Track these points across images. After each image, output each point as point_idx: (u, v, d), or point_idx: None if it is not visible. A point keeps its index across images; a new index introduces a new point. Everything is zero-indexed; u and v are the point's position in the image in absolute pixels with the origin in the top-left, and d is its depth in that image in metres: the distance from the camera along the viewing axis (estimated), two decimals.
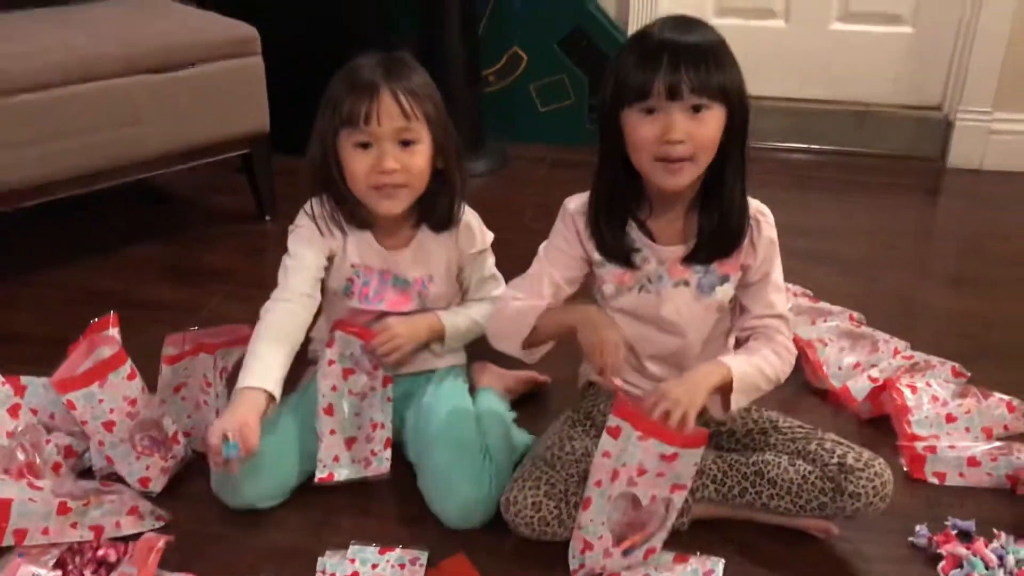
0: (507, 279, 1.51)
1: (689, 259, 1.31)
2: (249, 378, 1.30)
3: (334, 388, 1.41)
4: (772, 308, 1.34)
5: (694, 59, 1.18)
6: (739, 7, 2.87)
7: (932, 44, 2.78)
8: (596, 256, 1.33)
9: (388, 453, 1.43)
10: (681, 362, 1.37)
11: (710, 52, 1.19)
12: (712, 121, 1.21)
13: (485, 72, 2.84)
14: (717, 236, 1.29)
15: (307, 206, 1.45)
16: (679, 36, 1.19)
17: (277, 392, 1.31)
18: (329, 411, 1.41)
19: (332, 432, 1.41)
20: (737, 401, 1.27)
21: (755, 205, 1.32)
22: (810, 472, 1.29)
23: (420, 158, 1.36)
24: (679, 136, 1.20)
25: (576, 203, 1.34)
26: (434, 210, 1.43)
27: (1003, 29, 2.62)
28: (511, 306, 1.35)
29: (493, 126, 2.81)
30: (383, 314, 1.45)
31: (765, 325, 1.34)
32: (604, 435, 1.20)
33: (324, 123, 1.36)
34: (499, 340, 1.37)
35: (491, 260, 1.53)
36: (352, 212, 1.41)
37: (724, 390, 1.26)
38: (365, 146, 1.34)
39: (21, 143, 1.89)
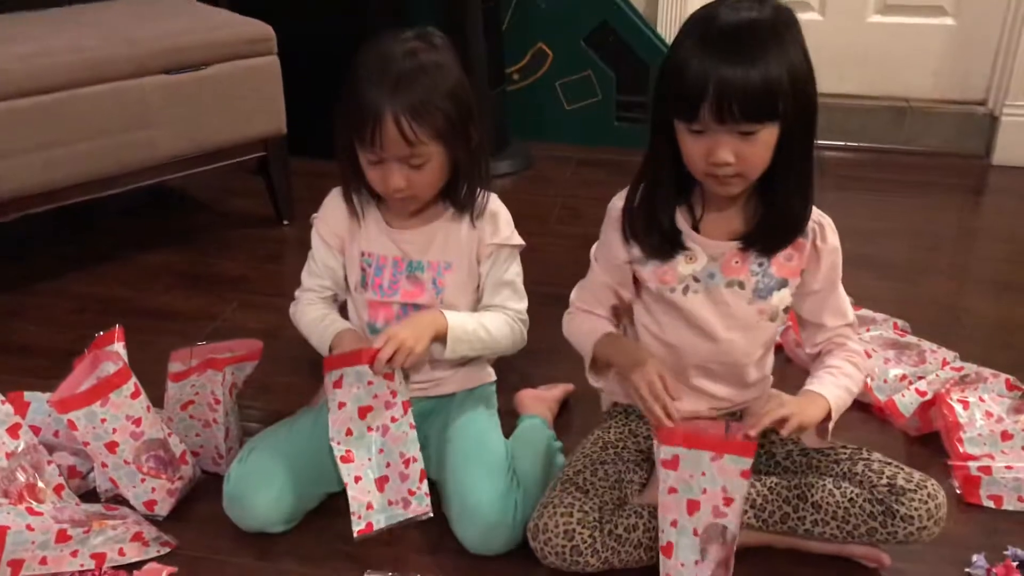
0: (534, 285, 1.44)
1: (745, 249, 1.21)
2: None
3: (349, 432, 1.30)
4: (845, 317, 1.28)
5: (743, 88, 1.07)
6: None
7: (976, 36, 2.68)
8: (637, 252, 1.24)
9: (426, 487, 1.33)
10: (731, 375, 1.29)
11: (762, 76, 1.07)
12: (763, 141, 1.11)
13: (509, 69, 2.76)
14: (776, 224, 1.20)
15: (332, 192, 1.41)
16: (727, 67, 1.07)
17: None
18: (348, 458, 1.30)
19: (358, 479, 1.31)
20: (830, 429, 1.21)
21: (816, 216, 1.22)
22: (857, 495, 1.21)
23: (429, 175, 1.30)
24: (726, 159, 1.11)
25: (621, 201, 1.26)
26: (454, 190, 1.36)
27: None
28: (576, 319, 1.35)
29: (517, 125, 2.74)
30: (402, 307, 1.38)
31: (839, 334, 1.27)
32: (661, 470, 1.12)
33: (343, 122, 1.30)
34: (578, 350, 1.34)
35: (515, 267, 1.42)
36: (371, 189, 1.35)
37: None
38: (376, 162, 1.29)
39: (29, 148, 1.84)
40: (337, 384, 1.28)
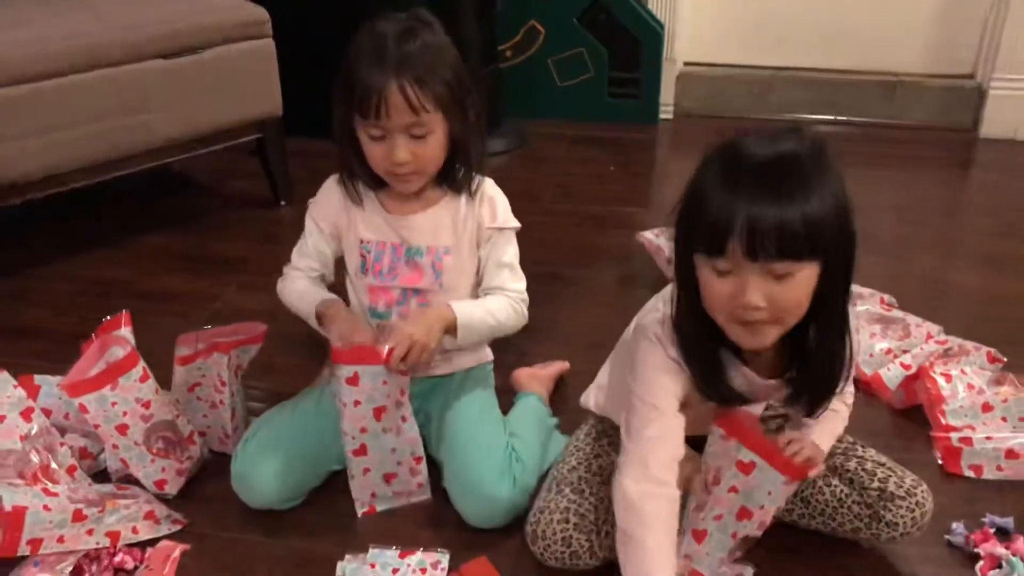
0: (529, 264, 1.46)
1: (799, 410, 1.15)
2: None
3: (364, 430, 1.32)
4: (847, 396, 1.25)
5: (779, 223, 0.94)
6: None
7: (963, 10, 2.70)
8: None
9: (427, 476, 1.39)
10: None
11: (802, 212, 0.94)
12: (800, 283, 0.99)
13: (502, 47, 2.77)
14: (814, 389, 1.11)
15: (329, 179, 1.43)
16: (759, 204, 0.94)
17: None
18: (361, 451, 1.33)
19: (367, 471, 1.35)
20: None
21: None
22: (847, 495, 1.24)
23: (433, 146, 1.32)
24: (757, 302, 0.98)
25: (657, 329, 1.11)
26: (450, 174, 1.39)
27: None
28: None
29: (511, 102, 2.76)
30: (403, 291, 1.41)
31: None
32: (734, 469, 1.09)
33: (341, 104, 1.32)
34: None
35: (513, 249, 1.45)
36: (369, 173, 1.37)
37: None
38: (379, 137, 1.31)
39: (27, 134, 1.85)
40: (352, 381, 1.28)
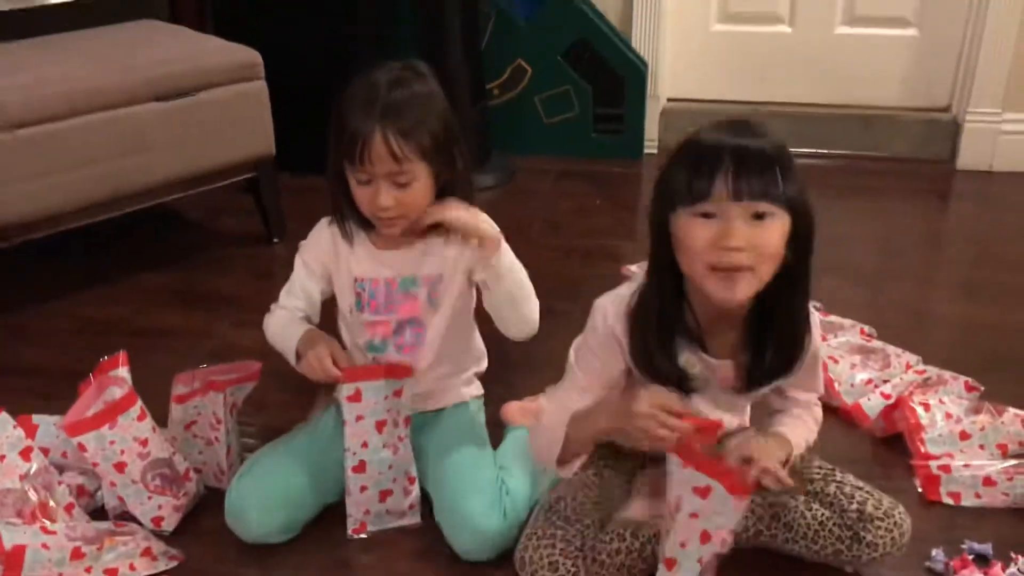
0: None
1: (746, 383, 1.23)
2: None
3: (365, 445, 1.37)
4: (815, 392, 1.33)
5: (760, 162, 1.06)
6: (744, 12, 2.85)
7: (938, 45, 2.76)
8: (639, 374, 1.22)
9: (419, 499, 1.43)
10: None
11: (778, 157, 1.07)
12: (777, 229, 1.08)
13: (489, 85, 2.83)
14: (774, 364, 1.20)
15: (320, 222, 1.47)
16: (742, 139, 1.07)
17: None
18: (360, 468, 1.38)
19: (364, 488, 1.40)
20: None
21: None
22: (828, 518, 1.27)
23: (416, 194, 1.34)
24: (739, 242, 1.06)
25: (614, 308, 1.22)
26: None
27: (1010, 28, 2.60)
28: (541, 424, 1.30)
29: (498, 139, 2.81)
30: (399, 323, 1.44)
31: (808, 402, 1.33)
32: (692, 495, 1.13)
33: (333, 147, 1.36)
34: (538, 455, 1.32)
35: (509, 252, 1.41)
36: (359, 214, 1.40)
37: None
38: (365, 181, 1.35)
39: (26, 176, 1.89)
40: (353, 398, 1.35)
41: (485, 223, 1.36)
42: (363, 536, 1.41)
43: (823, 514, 1.28)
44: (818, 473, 1.32)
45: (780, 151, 1.09)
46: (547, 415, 1.29)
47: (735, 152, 1.06)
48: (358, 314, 1.45)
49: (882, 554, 1.26)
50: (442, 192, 1.38)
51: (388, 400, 1.36)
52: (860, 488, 1.29)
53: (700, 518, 1.14)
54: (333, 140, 1.35)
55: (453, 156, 1.37)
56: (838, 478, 1.31)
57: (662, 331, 1.18)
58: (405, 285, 1.43)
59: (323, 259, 1.46)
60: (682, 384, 1.21)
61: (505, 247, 1.38)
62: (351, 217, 1.42)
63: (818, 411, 1.34)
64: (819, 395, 1.35)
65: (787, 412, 1.32)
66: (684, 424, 1.13)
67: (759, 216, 1.07)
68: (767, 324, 1.18)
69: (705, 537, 1.15)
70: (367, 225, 1.42)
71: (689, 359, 1.21)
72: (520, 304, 1.40)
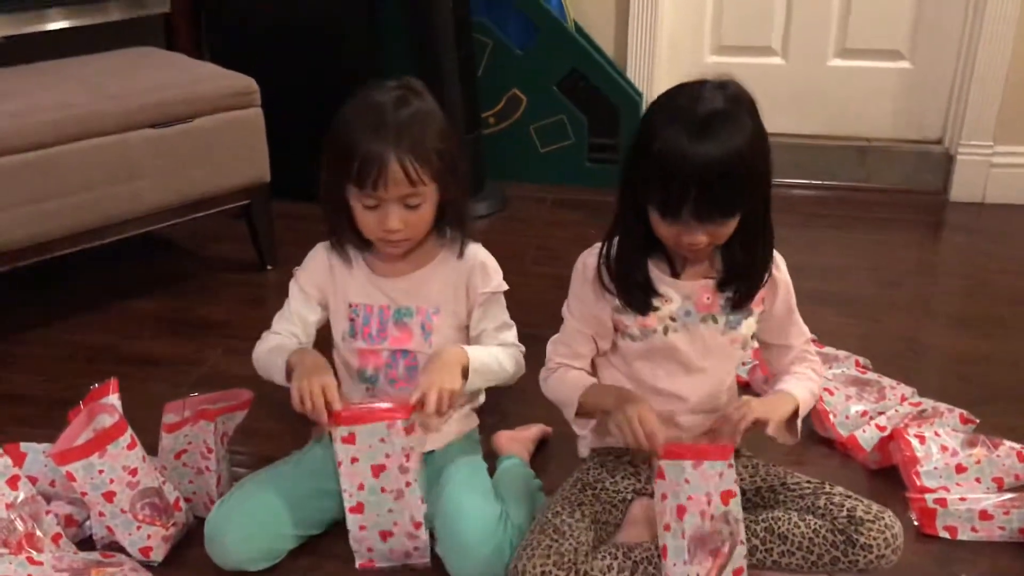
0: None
1: (719, 288, 1.33)
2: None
3: (361, 487, 1.33)
4: (804, 334, 1.41)
5: (725, 185, 1.17)
6: (737, 45, 2.88)
7: (931, 78, 2.79)
8: (616, 302, 1.33)
9: (427, 540, 1.39)
10: (710, 406, 1.37)
11: (739, 163, 1.17)
12: (734, 224, 1.23)
13: (485, 114, 2.84)
14: (741, 281, 1.32)
15: (317, 247, 1.46)
16: (709, 152, 1.16)
17: None
18: (358, 509, 1.35)
19: (363, 528, 1.37)
20: (799, 426, 1.34)
21: None
22: (820, 526, 1.28)
23: (424, 215, 1.36)
24: (699, 244, 1.23)
25: (593, 259, 1.34)
26: (440, 233, 1.43)
27: (1002, 62, 2.63)
28: (557, 372, 1.39)
29: (493, 167, 2.81)
30: (391, 353, 1.43)
31: (803, 350, 1.41)
32: (656, 480, 1.24)
33: (333, 170, 1.34)
34: (558, 405, 1.40)
35: (503, 307, 1.48)
36: (358, 236, 1.40)
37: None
38: (372, 206, 1.34)
39: (17, 203, 1.88)
40: (348, 440, 1.30)
41: (448, 382, 1.32)
42: (372, 569, 1.40)
43: (816, 523, 1.29)
44: (808, 487, 1.34)
45: (743, 156, 1.17)
46: (558, 375, 1.39)
47: (702, 180, 1.16)
48: (351, 341, 1.44)
49: (878, 556, 1.26)
50: (441, 211, 1.38)
51: (387, 443, 1.30)
52: (849, 496, 1.31)
53: (669, 497, 1.23)
54: (333, 164, 1.34)
55: (457, 171, 1.37)
56: (827, 490, 1.33)
57: (633, 253, 1.30)
58: (399, 315, 1.43)
59: (320, 283, 1.45)
60: (649, 296, 1.31)
61: (472, 358, 1.37)
62: (350, 240, 1.41)
63: (815, 361, 1.41)
64: (809, 339, 1.43)
65: (785, 371, 1.40)
66: (644, 440, 1.22)
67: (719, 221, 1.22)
68: (732, 249, 1.29)
69: (680, 511, 1.22)
70: (365, 246, 1.41)
71: (666, 292, 1.32)
72: (498, 382, 1.44)
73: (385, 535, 1.37)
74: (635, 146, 1.24)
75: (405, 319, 1.43)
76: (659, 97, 1.25)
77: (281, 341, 1.45)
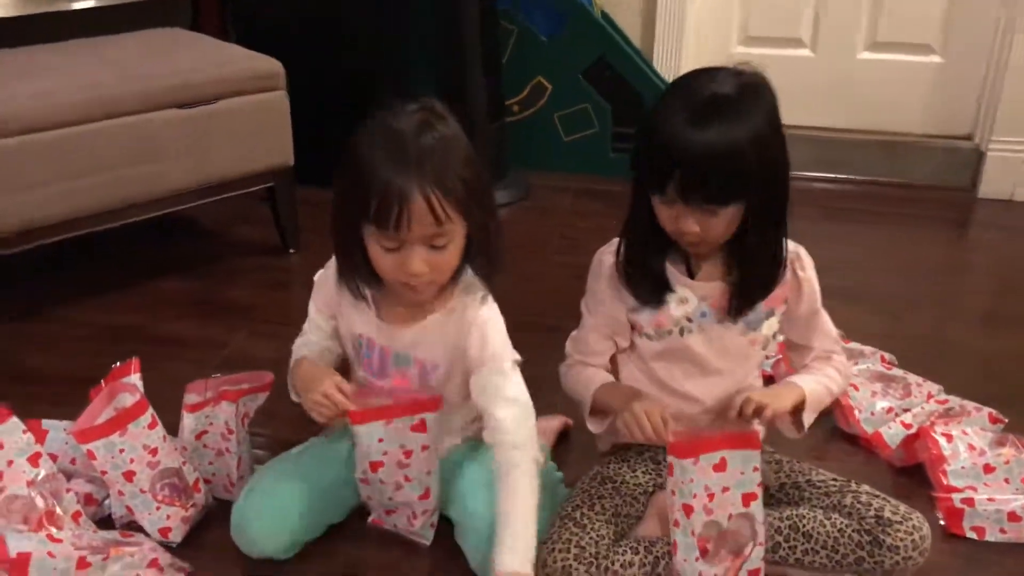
0: (534, 316, 1.47)
1: (732, 306, 1.30)
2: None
3: (364, 477, 1.36)
4: (830, 336, 1.38)
5: (713, 170, 1.15)
6: (765, 36, 2.85)
7: (962, 73, 2.75)
8: (632, 302, 1.31)
9: (432, 524, 1.40)
10: (728, 407, 1.34)
11: (732, 157, 1.15)
12: (728, 216, 1.21)
13: (509, 102, 2.82)
14: (753, 283, 1.29)
15: (329, 264, 1.39)
16: (703, 135, 1.14)
17: None
18: (365, 481, 1.37)
19: (369, 498, 1.40)
20: (808, 419, 1.33)
21: (791, 248, 1.31)
22: (847, 525, 1.27)
23: (451, 256, 1.23)
24: (691, 237, 1.22)
25: (609, 256, 1.33)
26: (459, 274, 1.30)
27: None
28: (573, 369, 1.40)
29: (516, 155, 2.80)
30: (393, 390, 1.37)
31: (827, 350, 1.38)
32: (667, 475, 1.22)
33: (346, 206, 1.23)
34: (576, 401, 1.40)
35: (513, 381, 1.30)
36: (372, 274, 1.28)
37: (796, 410, 1.31)
38: (393, 248, 1.21)
39: (42, 182, 1.88)
40: (357, 430, 1.31)
41: None
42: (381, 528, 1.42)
43: (842, 522, 1.27)
44: (834, 485, 1.32)
45: (735, 147, 1.14)
46: (575, 372, 1.40)
47: (688, 160, 1.15)
48: (357, 368, 1.42)
49: (904, 558, 1.24)
50: (468, 247, 1.26)
51: (384, 443, 1.29)
52: (876, 496, 1.29)
53: (676, 494, 1.20)
54: (346, 200, 1.22)
55: (484, 201, 1.24)
56: (854, 488, 1.31)
57: (648, 250, 1.29)
58: (398, 360, 1.35)
59: (330, 305, 1.40)
60: (664, 293, 1.29)
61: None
62: (363, 279, 1.29)
63: (840, 360, 1.38)
64: (836, 340, 1.39)
65: (804, 367, 1.38)
66: (652, 435, 1.22)
67: (711, 211, 1.19)
68: (744, 249, 1.26)
69: (688, 510, 1.19)
70: (378, 284, 1.29)
71: (683, 293, 1.30)
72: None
73: (389, 512, 1.40)
74: (643, 120, 1.26)
75: (403, 366, 1.35)
76: (679, 77, 1.27)
77: (298, 355, 1.40)
